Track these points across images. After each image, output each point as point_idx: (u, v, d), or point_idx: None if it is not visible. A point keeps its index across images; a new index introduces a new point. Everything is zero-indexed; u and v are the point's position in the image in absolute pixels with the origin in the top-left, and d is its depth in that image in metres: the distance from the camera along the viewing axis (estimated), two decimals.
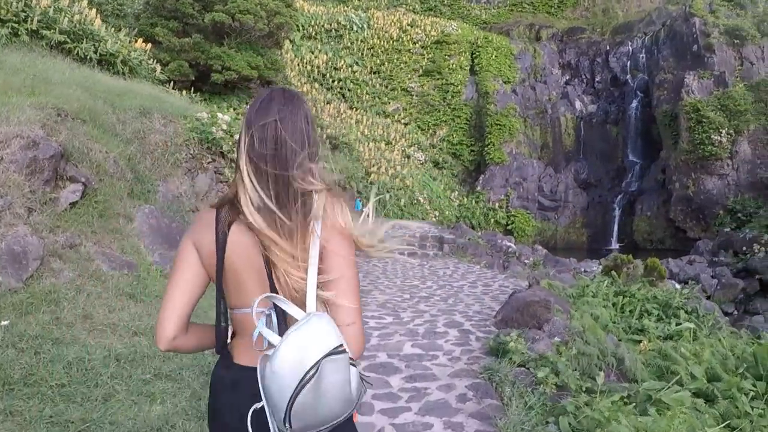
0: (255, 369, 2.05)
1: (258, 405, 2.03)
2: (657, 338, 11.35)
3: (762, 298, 24.62)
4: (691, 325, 11.56)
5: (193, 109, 16.59)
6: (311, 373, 1.92)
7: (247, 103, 30.05)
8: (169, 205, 12.51)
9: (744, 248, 27.86)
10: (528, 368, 7.37)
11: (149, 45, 22.20)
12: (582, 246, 43.24)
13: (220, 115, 15.59)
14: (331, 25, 50.34)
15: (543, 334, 8.76)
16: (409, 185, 38.01)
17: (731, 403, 6.98)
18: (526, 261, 23.58)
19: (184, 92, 23.88)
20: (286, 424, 1.96)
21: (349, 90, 47.02)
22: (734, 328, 14.00)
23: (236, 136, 14.33)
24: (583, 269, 26.74)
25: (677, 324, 12.39)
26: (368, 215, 2.48)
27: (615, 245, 42.28)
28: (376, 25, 51.29)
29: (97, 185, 9.99)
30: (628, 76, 48.75)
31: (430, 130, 47.11)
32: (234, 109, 30.64)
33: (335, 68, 47.45)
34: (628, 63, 49.07)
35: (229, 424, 2.29)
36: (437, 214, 38.52)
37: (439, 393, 6.69)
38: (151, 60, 21.61)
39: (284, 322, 2.13)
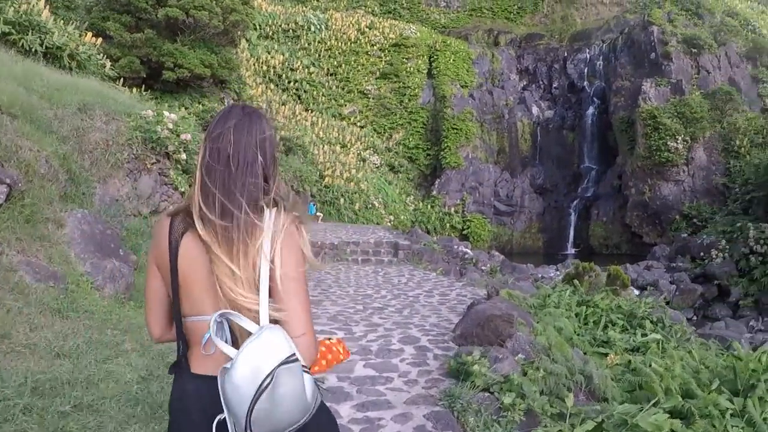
0: (210, 377, 2.20)
1: (221, 416, 2.12)
2: (624, 351, 10.80)
3: (720, 304, 24.32)
4: (658, 337, 11.11)
5: (140, 106, 15.65)
6: (267, 381, 2.02)
7: (199, 103, 29.55)
8: (107, 209, 11.57)
9: (701, 254, 27.58)
10: (492, 393, 6.62)
11: (100, 40, 21.14)
12: (538, 251, 42.90)
13: (166, 113, 14.63)
14: (288, 25, 49.46)
15: (506, 352, 8.02)
16: (364, 189, 37.26)
17: (709, 423, 6.44)
18: (483, 267, 22.93)
19: (134, 90, 22.87)
20: (248, 431, 2.02)
21: (305, 91, 46.12)
22: (701, 338, 13.44)
23: (183, 136, 13.99)
24: (540, 275, 26.31)
25: (643, 335, 11.86)
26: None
27: (571, 250, 42.01)
28: (334, 27, 50.43)
29: (24, 187, 8.93)
30: (585, 83, 48.60)
31: (387, 134, 46.35)
32: (186, 108, 29.68)
33: (291, 69, 46.55)
34: (586, 70, 48.93)
35: (190, 430, 2.32)
36: (392, 219, 37.84)
37: (394, 425, 5.81)
38: (101, 55, 20.57)
39: (235, 331, 2.22)
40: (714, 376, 8.29)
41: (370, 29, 50.47)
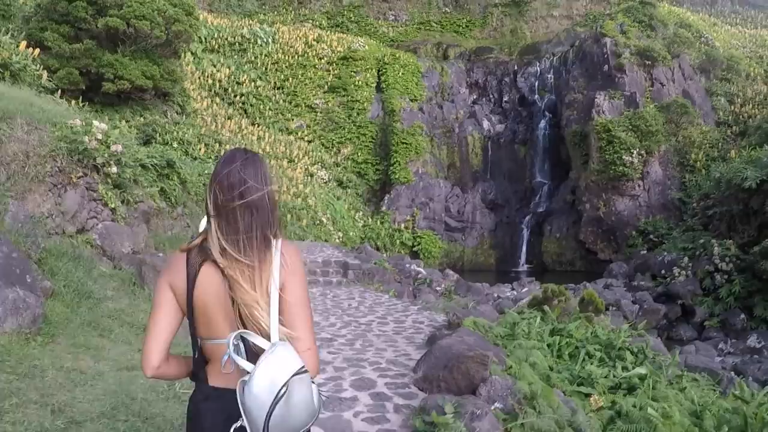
0: (228, 390, 2.56)
1: (238, 424, 2.43)
2: (607, 389, 9.34)
3: (685, 324, 22.90)
4: (643, 371, 9.66)
5: (69, 115, 13.94)
6: (283, 391, 2.34)
7: (141, 116, 28.56)
8: (19, 228, 9.81)
9: (663, 271, 26.15)
10: None
11: (38, 50, 19.52)
12: (490, 268, 41.30)
13: (96, 122, 12.99)
14: (234, 38, 47.46)
15: (483, 404, 6.58)
16: (312, 205, 35.42)
17: None
18: (437, 288, 21.33)
19: (73, 102, 21.64)
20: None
21: (251, 105, 44.09)
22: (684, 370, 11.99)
23: (113, 147, 13.05)
24: (496, 295, 24.86)
25: (624, 368, 10.40)
26: None
27: (523, 267, 40.60)
28: (281, 40, 48.56)
29: None
30: (536, 96, 47.45)
31: (335, 148, 44.48)
32: (127, 122, 28.20)
33: (238, 82, 44.53)
34: (536, 83, 47.85)
35: None
36: (341, 236, 36.06)
37: None
38: (39, 66, 18.94)
39: (251, 350, 2.51)
40: (719, 422, 7.56)
41: (317, 42, 48.68)
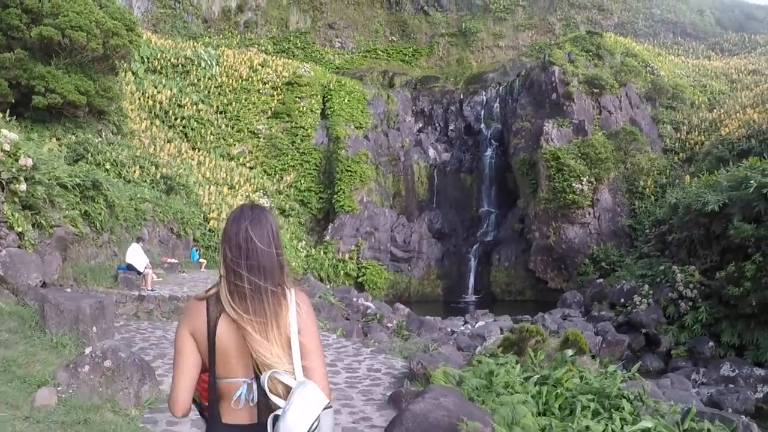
0: (238, 425, 2.77)
1: None
2: None
3: (650, 354, 20.84)
4: (649, 424, 7.84)
5: None
6: (315, 424, 2.56)
7: (73, 134, 26.20)
8: None
9: (622, 300, 24.24)
10: None
11: None
12: (437, 298, 39.04)
13: (5, 131, 10.57)
14: (178, 59, 44.97)
15: None
16: None
17: None
18: (389, 324, 18.93)
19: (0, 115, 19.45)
20: None
21: (192, 129, 41.34)
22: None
23: (23, 160, 12.13)
24: (449, 329, 22.59)
25: (622, 420, 8.09)
26: None
27: (471, 297, 38.44)
28: (225, 63, 46.20)
29: None
30: (482, 125, 45.97)
31: (277, 175, 41.89)
32: (58, 140, 25.51)
33: (179, 105, 41.80)
34: (482, 112, 46.46)
35: None
36: None
37: None
38: None
39: (260, 389, 2.71)
40: None
41: (262, 67, 46.43)
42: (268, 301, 2.75)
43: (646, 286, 23.63)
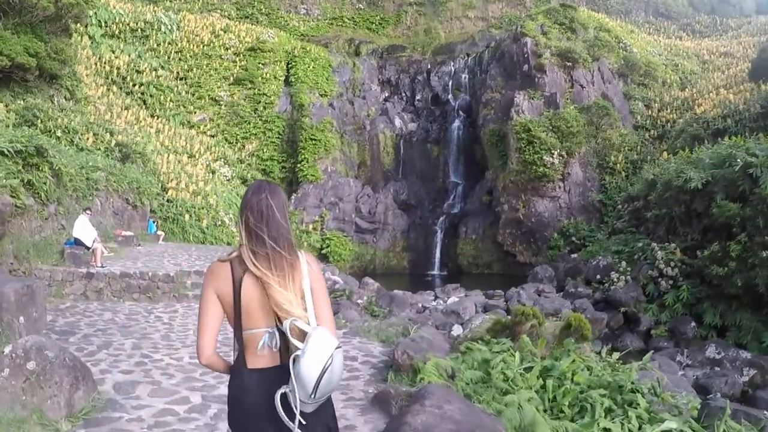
0: (263, 369, 3.09)
1: (282, 390, 2.96)
2: None
3: (630, 334, 19.61)
4: (674, 425, 6.89)
5: None
6: (329, 361, 2.89)
7: (23, 99, 24.64)
8: None
9: (598, 276, 23.16)
10: None
11: None
12: (403, 271, 37.62)
13: None
14: (137, 23, 42.38)
15: None
16: (213, 204, 30.92)
17: None
18: (359, 301, 17.44)
19: None
20: (312, 396, 2.89)
21: (151, 96, 39.03)
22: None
23: None
24: (421, 305, 21.20)
25: (638, 418, 7.03)
26: None
27: (438, 270, 37.18)
28: (186, 28, 43.70)
29: None
30: (450, 96, 44.46)
31: (239, 144, 39.91)
32: (6, 106, 23.65)
33: (138, 71, 39.33)
34: (450, 83, 44.91)
35: (253, 409, 3.09)
36: None
37: None
38: None
39: (282, 337, 3.06)
40: None
41: (225, 32, 44.08)
42: (285, 259, 3.10)
43: (624, 263, 22.53)
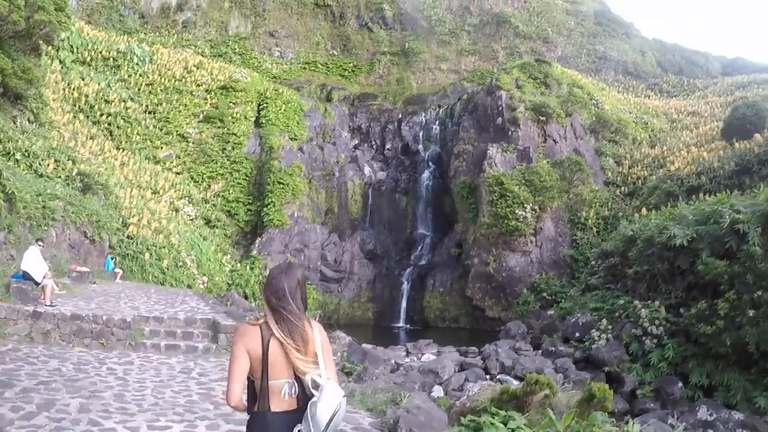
0: (284, 412, 3.68)
1: (298, 428, 3.62)
2: None
3: (614, 395, 18.30)
4: None
5: None
6: (338, 407, 3.56)
7: None
8: None
9: (577, 334, 21.87)
10: None
11: None
12: (368, 322, 35.90)
13: None
14: (109, 52, 40.87)
15: None
16: (175, 244, 29.08)
17: None
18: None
19: None
20: None
21: (118, 127, 37.19)
22: None
23: None
24: (394, 361, 19.60)
25: None
26: None
27: (404, 323, 35.51)
28: (159, 61, 42.29)
29: None
30: (420, 146, 43.44)
31: (205, 183, 38.14)
32: None
33: (106, 100, 37.51)
34: (421, 133, 43.99)
35: None
36: (206, 281, 29.81)
37: None
38: None
39: (300, 386, 3.71)
40: None
41: (197, 68, 42.75)
42: (300, 329, 3.73)
43: (604, 321, 21.30)
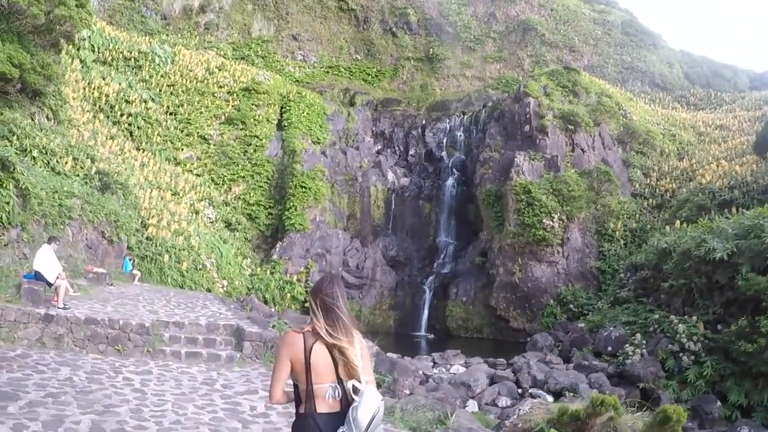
0: (328, 414, 3.89)
1: (342, 429, 3.79)
2: None
3: (650, 413, 17.33)
4: None
5: None
6: (377, 410, 3.78)
7: (0, 113, 22.09)
8: None
9: (609, 348, 20.89)
10: None
11: None
12: (389, 330, 34.80)
13: None
14: (131, 52, 40.24)
15: None
16: (195, 246, 28.32)
17: None
18: None
19: None
20: None
21: (138, 128, 36.58)
22: None
23: None
24: (422, 372, 18.68)
25: None
26: None
27: (425, 332, 34.55)
28: (180, 62, 41.68)
29: None
30: (444, 153, 42.55)
31: (225, 185, 37.42)
32: None
33: (127, 101, 36.91)
34: (445, 140, 43.12)
35: None
36: (225, 284, 29.03)
37: None
38: None
39: (343, 390, 3.91)
40: None
41: (219, 70, 42.07)
42: (350, 331, 4.00)
43: (638, 335, 20.26)
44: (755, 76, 66.93)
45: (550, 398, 17.30)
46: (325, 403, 3.90)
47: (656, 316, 21.16)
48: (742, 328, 17.69)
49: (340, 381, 3.92)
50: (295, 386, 4.04)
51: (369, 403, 3.77)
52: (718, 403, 17.13)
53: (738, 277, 18.60)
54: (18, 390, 8.32)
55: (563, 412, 7.89)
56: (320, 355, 3.90)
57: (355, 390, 3.86)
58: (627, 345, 20.15)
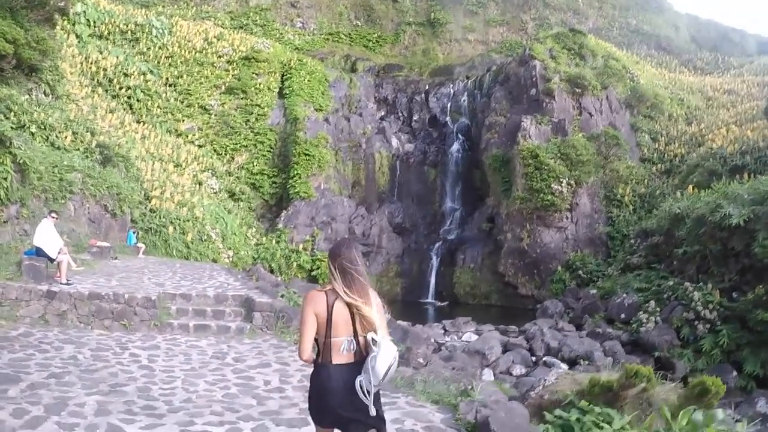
0: (343, 364, 4.18)
1: (360, 378, 4.11)
2: None
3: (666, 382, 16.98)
4: None
5: None
6: (394, 360, 4.09)
7: None
8: None
9: (623, 315, 20.51)
10: None
11: None
12: (396, 297, 34.30)
13: None
14: (127, 26, 39.59)
15: None
16: (199, 217, 27.90)
17: None
18: None
19: None
20: (381, 381, 4.06)
21: (138, 101, 36.00)
22: None
23: None
24: (433, 340, 18.36)
25: None
26: None
27: (432, 299, 34.19)
28: (178, 33, 40.95)
29: None
30: (448, 118, 41.82)
31: (228, 155, 36.90)
32: None
33: (125, 74, 36.32)
34: (449, 105, 42.33)
35: (334, 390, 4.16)
36: (231, 255, 28.68)
37: None
38: None
39: (358, 343, 4.22)
40: None
41: (218, 40, 41.33)
42: (367, 290, 4.25)
43: (653, 303, 19.84)
44: (764, 40, 65.52)
45: (564, 366, 16.98)
46: (340, 355, 4.19)
47: (670, 283, 20.75)
48: (759, 296, 17.40)
49: (356, 335, 4.21)
50: (315, 339, 4.27)
51: (386, 354, 4.07)
52: (734, 373, 16.85)
53: (754, 243, 18.21)
54: (19, 371, 7.91)
55: (594, 383, 7.49)
56: (340, 312, 4.19)
57: (374, 341, 4.13)
58: (641, 312, 19.80)
